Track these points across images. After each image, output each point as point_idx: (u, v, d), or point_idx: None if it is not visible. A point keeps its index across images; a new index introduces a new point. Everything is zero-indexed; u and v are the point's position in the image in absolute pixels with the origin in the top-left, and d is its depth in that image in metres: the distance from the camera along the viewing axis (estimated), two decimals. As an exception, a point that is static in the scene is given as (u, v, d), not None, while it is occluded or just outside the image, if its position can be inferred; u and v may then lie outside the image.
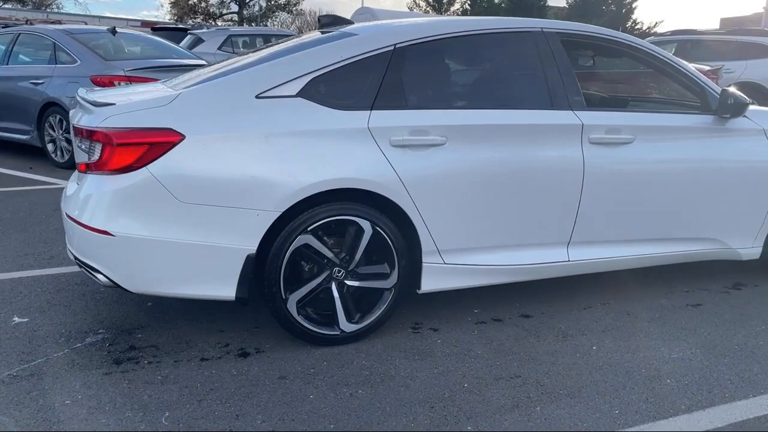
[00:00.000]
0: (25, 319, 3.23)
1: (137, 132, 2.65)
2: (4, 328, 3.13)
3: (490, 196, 3.07)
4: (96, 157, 2.71)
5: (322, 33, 3.49)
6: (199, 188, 2.68)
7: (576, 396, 2.59)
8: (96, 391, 2.58)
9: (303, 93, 2.86)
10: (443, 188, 2.97)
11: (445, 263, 3.07)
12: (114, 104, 2.78)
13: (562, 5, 63.18)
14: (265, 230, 2.74)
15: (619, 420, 2.43)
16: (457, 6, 57.73)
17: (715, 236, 3.62)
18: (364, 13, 28.98)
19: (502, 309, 3.41)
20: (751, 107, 3.56)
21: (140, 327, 3.16)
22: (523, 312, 3.39)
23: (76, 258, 2.90)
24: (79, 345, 2.98)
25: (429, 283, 3.08)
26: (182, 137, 2.65)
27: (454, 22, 3.29)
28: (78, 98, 3.12)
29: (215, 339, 3.04)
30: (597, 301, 3.55)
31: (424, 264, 3.03)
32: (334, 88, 2.91)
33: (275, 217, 2.74)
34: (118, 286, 2.78)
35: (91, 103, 2.86)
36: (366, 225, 2.87)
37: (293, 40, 3.54)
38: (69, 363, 2.80)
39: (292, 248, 2.79)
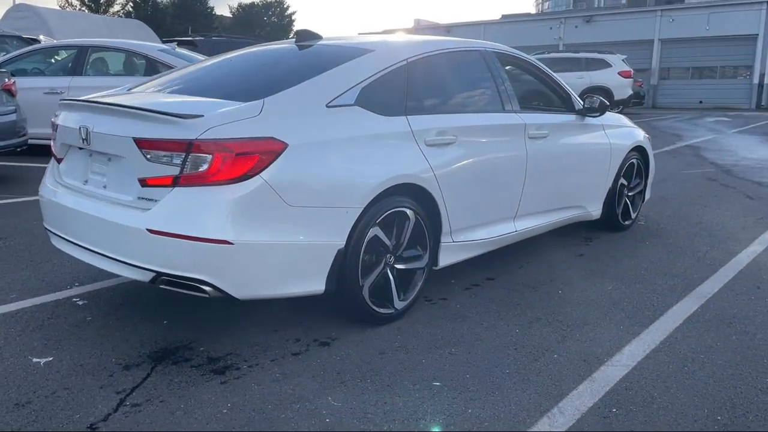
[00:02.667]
0: (47, 359, 2.93)
1: (250, 142, 2.76)
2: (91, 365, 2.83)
3: (479, 182, 3.81)
4: (202, 168, 2.72)
5: (299, 47, 3.81)
6: (302, 191, 2.90)
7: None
8: (240, 397, 2.65)
9: (358, 102, 3.23)
10: (455, 178, 3.61)
11: (453, 242, 3.72)
12: (203, 116, 2.79)
13: (227, 14, 63.88)
14: (352, 225, 3.07)
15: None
16: (117, 7, 54.31)
17: (582, 203, 4.91)
18: (24, 10, 26.01)
19: (475, 276, 4.18)
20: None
21: (193, 341, 3.15)
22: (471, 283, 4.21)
23: (159, 274, 2.81)
24: (160, 367, 2.89)
25: (444, 260, 3.69)
26: (286, 145, 2.84)
27: (445, 41, 3.98)
28: (117, 107, 2.97)
29: (279, 338, 3.22)
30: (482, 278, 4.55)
31: (442, 244, 3.64)
32: (376, 98, 3.34)
33: (359, 213, 3.09)
34: (226, 295, 2.82)
35: (164, 114, 2.81)
36: (411, 214, 3.37)
37: (278, 50, 3.80)
38: (171, 384, 2.75)
39: (366, 240, 3.16)
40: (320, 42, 3.87)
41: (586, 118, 4.82)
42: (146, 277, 2.88)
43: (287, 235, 2.88)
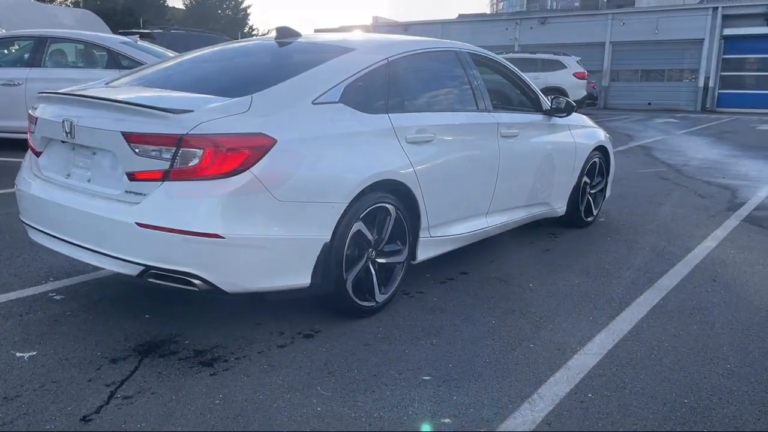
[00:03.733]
0: (30, 354, 2.92)
1: (240, 137, 2.80)
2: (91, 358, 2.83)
3: (455, 179, 3.93)
4: (192, 163, 2.75)
5: (279, 44, 3.86)
6: (290, 187, 2.96)
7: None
8: (231, 389, 2.70)
9: (342, 99, 3.30)
10: (433, 174, 3.72)
11: (431, 237, 3.83)
12: (192, 111, 2.82)
13: (180, 6, 62.75)
14: (337, 220, 3.14)
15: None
16: (65, -2, 52.68)
17: (549, 201, 5.09)
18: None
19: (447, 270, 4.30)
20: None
21: (177, 335, 3.18)
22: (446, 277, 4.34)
23: (148, 268, 2.83)
24: (147, 360, 2.91)
25: (422, 254, 3.80)
26: (275, 141, 2.89)
27: (423, 41, 4.08)
28: (104, 101, 2.98)
29: (264, 331, 3.27)
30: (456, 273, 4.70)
31: (420, 239, 3.74)
32: (359, 95, 3.41)
33: (344, 208, 3.16)
34: (216, 289, 2.86)
35: (154, 108, 2.83)
36: (392, 210, 3.47)
37: (251, 46, 3.85)
38: (161, 377, 2.78)
39: (350, 234, 3.23)
40: (300, 40, 3.93)
41: (553, 118, 4.99)
42: (134, 271, 2.90)
43: (275, 229, 2.93)
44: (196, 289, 2.86)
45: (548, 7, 48.21)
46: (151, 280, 2.90)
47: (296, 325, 3.36)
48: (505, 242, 5.01)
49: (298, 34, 3.99)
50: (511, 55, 19.37)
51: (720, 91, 28.93)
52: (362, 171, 3.25)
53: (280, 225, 2.95)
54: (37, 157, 3.40)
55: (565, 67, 18.43)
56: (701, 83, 28.89)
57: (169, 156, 2.79)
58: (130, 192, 2.89)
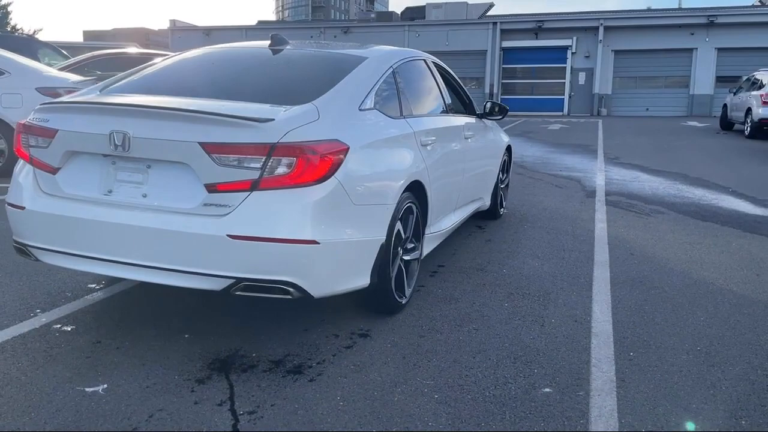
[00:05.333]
0: (102, 386, 2.71)
1: (324, 144, 2.86)
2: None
3: (444, 178, 4.25)
4: (284, 171, 2.75)
5: (273, 51, 3.89)
6: (362, 190, 3.07)
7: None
8: (342, 390, 2.77)
9: (375, 106, 3.46)
10: (436, 174, 4.01)
11: (430, 233, 4.11)
12: (274, 119, 2.81)
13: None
14: (389, 220, 3.31)
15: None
16: None
17: (483, 195, 5.61)
18: None
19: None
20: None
21: (237, 349, 3.13)
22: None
23: (239, 280, 2.77)
24: (234, 376, 2.85)
25: (425, 250, 4.06)
26: (348, 147, 2.99)
27: (403, 50, 4.24)
28: (170, 111, 2.83)
29: (318, 335, 3.32)
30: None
31: (425, 235, 4.01)
32: (384, 102, 3.59)
33: (393, 209, 3.34)
34: (305, 295, 2.88)
35: (237, 117, 2.77)
36: (415, 209, 3.70)
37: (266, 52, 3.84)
38: (263, 389, 2.76)
39: (394, 234, 3.41)
40: (305, 49, 3.96)
41: (484, 120, 5.51)
42: (220, 285, 2.81)
43: (353, 232, 3.02)
44: (289, 297, 2.86)
45: (331, 17, 49.72)
46: (238, 293, 2.83)
47: (343, 326, 3.44)
48: (450, 236, 5.42)
49: (288, 42, 4.01)
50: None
51: (502, 96, 32.34)
52: (402, 173, 3.45)
53: (355, 228, 3.04)
54: (53, 173, 3.06)
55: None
56: (487, 89, 32.04)
57: (257, 165, 2.75)
58: (210, 204, 2.79)
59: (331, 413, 2.57)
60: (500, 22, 31.28)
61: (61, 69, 9.85)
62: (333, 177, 2.88)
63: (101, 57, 10.59)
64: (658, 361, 3.15)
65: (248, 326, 3.40)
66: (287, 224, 2.78)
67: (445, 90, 4.68)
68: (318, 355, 3.09)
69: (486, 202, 5.76)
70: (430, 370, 2.97)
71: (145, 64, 3.91)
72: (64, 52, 14.86)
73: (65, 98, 3.32)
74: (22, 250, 3.17)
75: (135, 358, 2.99)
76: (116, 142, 2.85)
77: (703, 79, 29.80)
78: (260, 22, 37.03)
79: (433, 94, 4.54)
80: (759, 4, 44.93)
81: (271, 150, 2.74)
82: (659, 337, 3.44)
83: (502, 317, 3.67)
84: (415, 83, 4.24)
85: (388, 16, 35.77)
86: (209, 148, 2.75)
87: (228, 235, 2.73)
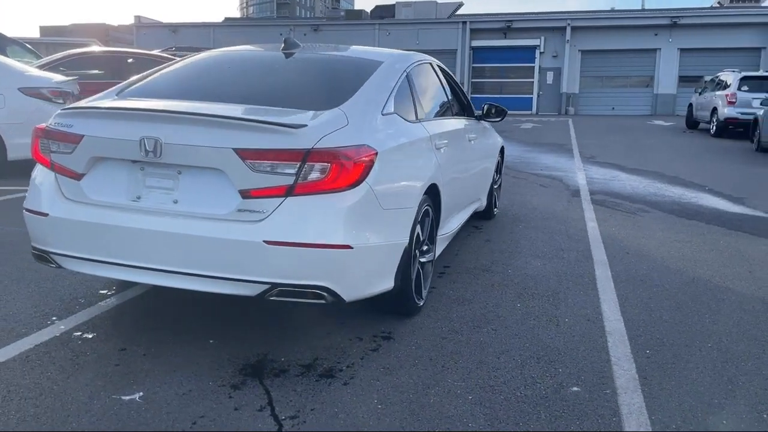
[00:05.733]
0: (138, 394, 2.70)
1: (356, 149, 2.88)
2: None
3: (454, 181, 4.30)
4: (319, 176, 2.77)
5: (285, 54, 3.89)
6: (389, 194, 3.10)
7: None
8: (377, 393, 2.80)
9: (395, 110, 3.49)
10: (447, 177, 4.06)
11: (440, 235, 4.16)
12: (307, 125, 2.83)
13: None
14: (412, 224, 3.34)
15: (588, 294, 4.25)
16: None
17: (481, 196, 5.69)
18: None
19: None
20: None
21: (265, 354, 3.13)
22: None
23: (274, 285, 2.78)
24: (268, 381, 2.85)
25: (437, 252, 4.11)
26: (377, 152, 3.02)
27: (410, 54, 4.26)
28: (203, 117, 2.82)
29: (341, 339, 3.34)
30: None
31: (437, 237, 4.06)
32: (402, 106, 3.62)
33: (415, 212, 3.38)
34: (338, 299, 2.90)
35: (270, 123, 2.78)
36: (431, 212, 3.74)
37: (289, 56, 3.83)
38: (299, 393, 2.77)
39: (414, 237, 3.46)
40: (318, 52, 3.97)
41: (481, 122, 5.59)
42: (254, 290, 2.81)
43: (381, 236, 3.05)
44: (322, 301, 2.88)
45: (297, 15, 49.44)
46: (273, 298, 2.84)
47: (365, 330, 3.46)
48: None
49: (299, 45, 4.01)
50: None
51: (472, 95, 32.61)
52: (423, 177, 3.49)
53: (384, 232, 3.08)
54: (77, 179, 3.02)
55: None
56: (457, 88, 32.25)
57: (292, 171, 2.76)
58: (245, 210, 2.79)
59: (371, 416, 2.60)
60: (470, 22, 31.54)
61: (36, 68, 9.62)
62: (364, 182, 2.90)
63: (77, 56, 10.39)
64: (673, 359, 3.26)
65: (271, 331, 3.40)
66: (322, 229, 2.79)
67: (449, 92, 4.74)
68: (346, 359, 3.11)
69: (483, 203, 5.84)
70: (459, 372, 3.02)
71: (158, 67, 3.87)
72: (32, 49, 14.50)
73: (87, 103, 3.27)
74: (43, 257, 3.12)
75: (164, 364, 2.97)
76: (147, 148, 2.83)
77: (666, 79, 30.51)
78: (227, 19, 36.67)
79: (440, 96, 4.59)
80: (718, 5, 46.14)
81: (306, 156, 2.76)
82: (670, 335, 3.55)
83: (517, 318, 3.74)
84: (426, 86, 4.27)
85: (357, 15, 35.74)
86: (244, 154, 2.75)
87: (264, 241, 2.74)
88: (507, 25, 30.64)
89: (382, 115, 3.33)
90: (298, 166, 2.76)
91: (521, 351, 3.28)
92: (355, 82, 3.43)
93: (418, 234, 3.50)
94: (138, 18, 33.45)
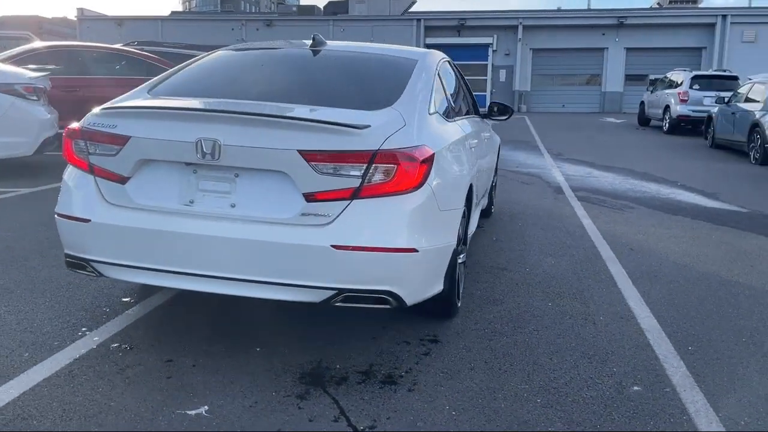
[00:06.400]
0: (204, 408, 2.58)
1: (418, 150, 2.80)
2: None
3: (480, 180, 4.28)
4: (385, 178, 2.69)
5: (314, 51, 3.78)
6: (445, 196, 3.05)
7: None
8: (446, 398, 2.75)
9: (437, 109, 3.43)
10: (476, 177, 4.02)
11: (468, 234, 4.13)
12: (370, 126, 2.74)
13: None
14: (459, 225, 3.30)
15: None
16: None
17: (485, 194, 5.69)
18: None
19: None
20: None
21: (317, 362, 3.03)
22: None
23: (341, 291, 2.69)
24: (332, 390, 2.76)
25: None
26: (434, 153, 2.96)
27: (438, 52, 4.20)
28: (264, 118, 2.69)
29: (388, 344, 3.27)
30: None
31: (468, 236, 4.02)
32: (440, 105, 3.56)
33: (462, 213, 3.33)
34: (401, 303, 2.82)
35: (337, 125, 2.68)
36: (466, 212, 3.71)
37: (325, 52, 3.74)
38: (366, 402, 2.69)
39: (459, 237, 3.41)
40: (350, 49, 3.87)
41: (485, 120, 5.59)
42: (321, 296, 2.71)
43: (439, 238, 2.99)
44: (387, 307, 2.80)
45: (242, 9, 48.64)
46: (338, 304, 2.74)
47: (409, 333, 3.39)
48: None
49: (326, 42, 3.90)
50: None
51: (426, 92, 32.76)
52: (467, 177, 3.45)
53: (440, 234, 3.02)
54: (121, 183, 2.84)
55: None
56: (412, 85, 32.31)
57: (358, 173, 2.67)
58: (309, 214, 2.68)
59: (449, 423, 2.54)
60: (424, 19, 31.63)
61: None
62: (426, 183, 2.84)
63: (42, 50, 9.90)
64: (715, 354, 3.32)
65: (315, 336, 3.29)
66: (389, 233, 2.72)
67: (465, 90, 4.71)
68: (401, 364, 3.04)
69: (486, 201, 5.85)
70: (518, 374, 2.99)
71: (183, 64, 3.69)
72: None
73: (129, 102, 3.09)
74: (81, 265, 2.93)
75: (218, 375, 2.84)
76: (204, 150, 2.68)
77: (613, 77, 31.33)
78: (174, 13, 35.72)
79: (461, 94, 4.55)
80: (657, 6, 47.70)
81: (373, 157, 2.67)
82: (704, 331, 3.62)
83: (554, 317, 3.74)
84: (451, 85, 4.23)
85: (310, 10, 35.35)
86: (309, 156, 2.65)
87: (332, 246, 2.64)
88: (461, 23, 30.88)
89: (429, 114, 3.27)
90: (364, 167, 2.67)
91: (570, 351, 3.28)
92: (397, 80, 3.36)
93: (459, 234, 3.46)
94: (81, 10, 32.16)
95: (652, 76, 29.82)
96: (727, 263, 5.04)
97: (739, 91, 14.02)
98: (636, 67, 30.83)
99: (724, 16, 29.68)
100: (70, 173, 3.01)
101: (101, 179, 2.88)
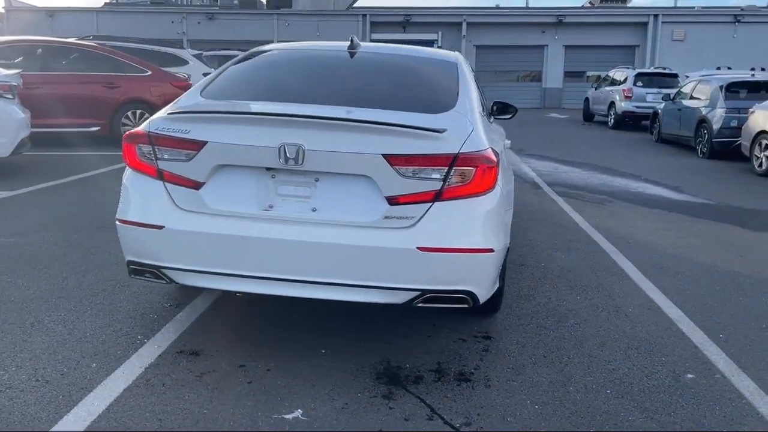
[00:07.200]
0: (298, 411, 2.59)
1: (490, 152, 2.88)
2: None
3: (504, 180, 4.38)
4: (464, 181, 2.75)
5: (351, 54, 3.80)
6: (506, 197, 3.13)
7: (600, 283, 4.48)
8: (525, 394, 2.84)
9: (483, 111, 3.51)
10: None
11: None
12: (446, 129, 2.80)
13: None
14: (510, 223, 3.39)
15: (627, 284, 4.50)
16: None
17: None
18: None
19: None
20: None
21: (382, 361, 3.06)
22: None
23: (424, 292, 2.73)
24: (414, 389, 2.81)
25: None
26: (498, 155, 3.04)
27: (456, 53, 4.26)
28: (349, 123, 2.71)
29: (444, 342, 3.33)
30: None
31: (498, 235, 4.12)
32: (481, 107, 3.64)
33: (512, 212, 3.43)
34: (476, 303, 2.89)
35: (418, 128, 2.72)
36: (504, 211, 3.81)
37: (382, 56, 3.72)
38: (450, 400, 2.76)
39: (507, 236, 3.51)
40: (386, 51, 3.89)
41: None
42: (404, 298, 2.75)
43: (504, 237, 3.08)
44: (465, 306, 2.86)
45: (177, 2, 47.39)
46: (420, 305, 2.79)
47: (460, 331, 3.46)
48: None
49: (360, 45, 3.91)
50: (213, 52, 18.83)
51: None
52: (511, 176, 3.54)
53: (504, 233, 3.11)
54: (195, 188, 2.79)
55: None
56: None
57: (439, 176, 2.72)
58: (392, 217, 2.71)
59: (537, 418, 2.63)
60: (369, 15, 31.64)
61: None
62: (497, 185, 2.92)
63: (4, 45, 9.44)
64: (746, 341, 3.54)
65: (372, 337, 3.32)
66: (469, 234, 2.78)
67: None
68: (467, 361, 3.12)
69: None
70: (579, 367, 3.11)
71: (226, 65, 3.62)
72: None
73: (200, 106, 3.03)
74: (149, 272, 2.86)
75: (297, 378, 2.83)
76: (288, 155, 2.67)
77: (553, 74, 32.24)
78: (107, 4, 34.39)
79: (483, 95, 4.64)
80: (589, 5, 49.30)
81: (454, 160, 2.73)
82: (726, 319, 3.84)
83: (588, 310, 3.90)
84: (478, 86, 4.33)
85: (252, 4, 34.74)
86: (393, 160, 2.68)
87: (418, 248, 2.68)
88: (406, 19, 31.05)
89: (481, 116, 3.35)
90: (445, 171, 2.72)
91: (616, 342, 3.43)
92: (447, 83, 3.42)
93: (506, 233, 3.56)
94: (8, 1, 30.55)
95: (589, 73, 30.95)
96: (719, 254, 5.33)
97: (682, 89, 14.71)
98: (574, 64, 31.80)
99: (656, 16, 30.96)
100: (133, 179, 2.93)
101: (172, 185, 2.82)
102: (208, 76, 3.45)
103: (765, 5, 32.39)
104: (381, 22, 31.83)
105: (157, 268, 2.83)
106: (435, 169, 2.72)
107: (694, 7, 32.46)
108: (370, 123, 2.73)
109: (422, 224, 2.72)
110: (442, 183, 2.73)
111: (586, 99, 22.19)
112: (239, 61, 3.70)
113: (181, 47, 14.06)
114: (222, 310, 3.59)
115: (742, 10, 30.78)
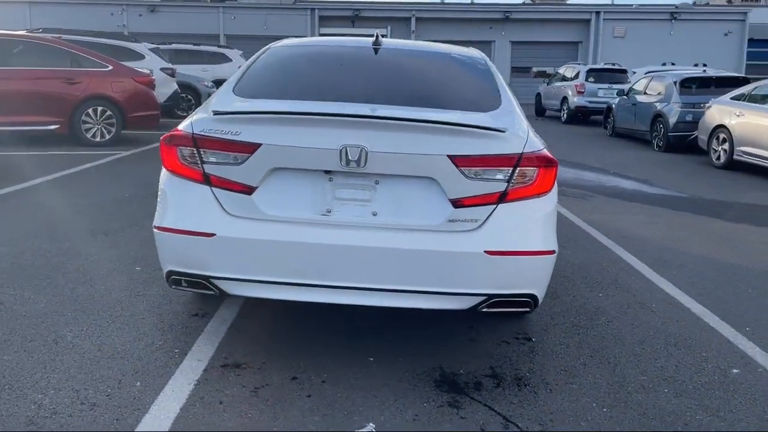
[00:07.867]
0: (371, 425, 2.48)
1: (548, 152, 2.81)
2: None
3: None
4: (526, 182, 2.68)
5: (375, 50, 3.67)
6: (556, 198, 3.07)
7: (614, 279, 4.51)
8: (586, 398, 2.81)
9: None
10: None
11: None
12: (507, 129, 2.72)
13: None
14: None
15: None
16: None
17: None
18: None
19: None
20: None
21: (432, 369, 2.97)
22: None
23: (490, 297, 2.65)
24: (479, 396, 2.73)
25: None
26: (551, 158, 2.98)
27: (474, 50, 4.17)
28: (414, 123, 2.59)
29: (487, 345, 3.27)
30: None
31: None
32: None
33: (554, 213, 3.38)
34: (536, 306, 2.83)
35: (482, 128, 2.64)
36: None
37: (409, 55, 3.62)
38: (516, 406, 2.70)
39: (544, 236, 3.46)
40: (412, 47, 3.77)
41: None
42: (469, 303, 2.66)
43: (556, 238, 3.02)
44: (527, 309, 2.80)
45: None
46: (484, 310, 2.70)
47: (501, 333, 3.40)
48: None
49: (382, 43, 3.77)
50: (174, 46, 18.29)
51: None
52: (551, 177, 3.49)
53: (555, 234, 3.05)
54: (248, 193, 2.61)
55: (231, 60, 18.49)
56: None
57: (503, 177, 2.64)
58: (456, 220, 2.61)
59: (608, 420, 2.60)
60: (318, 9, 31.29)
61: None
62: (554, 186, 2.86)
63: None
64: (770, 333, 3.62)
65: (415, 343, 3.22)
66: (534, 236, 2.72)
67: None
68: (518, 365, 3.06)
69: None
70: (628, 366, 3.10)
71: (250, 61, 3.42)
72: None
73: (249, 107, 2.84)
74: (199, 283, 2.68)
75: (355, 390, 2.71)
76: (350, 157, 2.53)
77: (501, 69, 32.37)
78: (45, -4, 32.80)
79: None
80: (531, 2, 50.22)
81: (518, 161, 2.65)
82: (745, 311, 3.92)
83: (614, 307, 3.90)
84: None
85: (196, -4, 33.82)
86: (459, 161, 2.58)
87: (485, 251, 2.60)
88: (355, 13, 30.85)
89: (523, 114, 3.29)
90: (510, 171, 2.65)
91: (654, 339, 3.44)
92: (485, 81, 3.36)
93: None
94: (-65, -10, 28.80)
95: (535, 69, 31.57)
96: (713, 246, 5.46)
97: (635, 85, 15.10)
98: (521, 60, 32.33)
99: (598, 13, 31.78)
100: (174, 184, 2.73)
101: (220, 190, 2.63)
102: (235, 74, 3.25)
103: (700, 2, 33.74)
104: (330, 17, 31.55)
105: (206, 278, 2.65)
106: (500, 170, 2.64)
107: (632, 5, 33.47)
108: (435, 123, 2.62)
109: (488, 227, 2.63)
110: (506, 184, 2.65)
111: (538, 94, 22.57)
112: (259, 57, 3.51)
113: (136, 41, 13.46)
114: (251, 319, 3.41)
115: (676, 7, 31.95)
